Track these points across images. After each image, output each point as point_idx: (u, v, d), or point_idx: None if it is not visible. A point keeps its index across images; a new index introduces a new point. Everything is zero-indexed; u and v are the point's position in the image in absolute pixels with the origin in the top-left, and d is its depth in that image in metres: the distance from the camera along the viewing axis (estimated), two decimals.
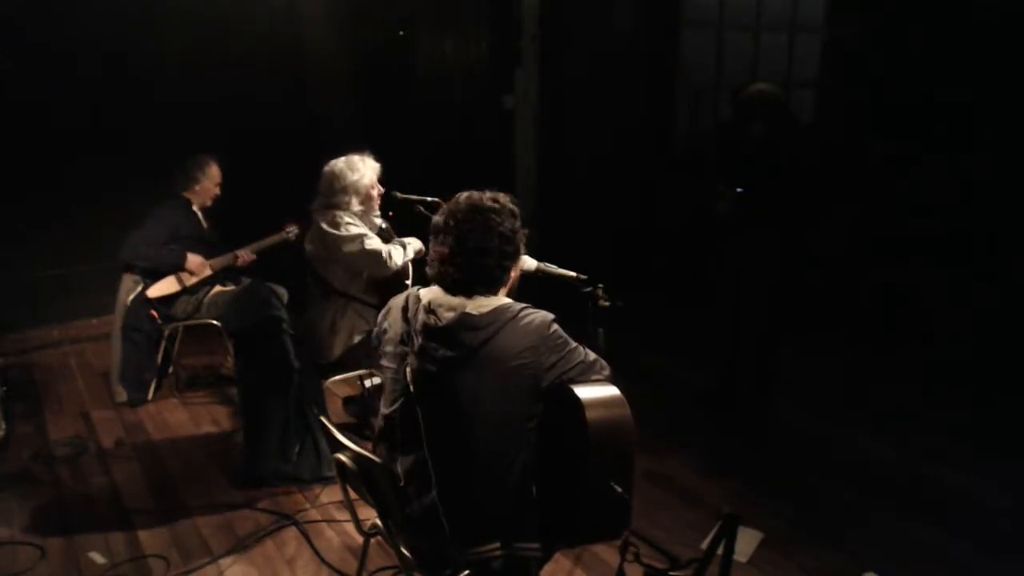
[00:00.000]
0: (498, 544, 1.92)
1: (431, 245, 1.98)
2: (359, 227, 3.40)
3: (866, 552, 2.85)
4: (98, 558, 2.87)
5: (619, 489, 1.87)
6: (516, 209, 1.97)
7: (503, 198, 1.97)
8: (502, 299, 1.94)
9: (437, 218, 1.96)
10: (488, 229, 1.90)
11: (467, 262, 1.90)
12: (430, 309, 1.91)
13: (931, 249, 4.22)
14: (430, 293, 1.96)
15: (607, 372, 2.01)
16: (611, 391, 1.94)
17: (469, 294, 1.91)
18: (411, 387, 1.92)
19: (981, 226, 4.07)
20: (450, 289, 1.93)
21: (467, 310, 1.88)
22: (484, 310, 1.88)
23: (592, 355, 2.01)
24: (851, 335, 4.51)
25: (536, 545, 1.96)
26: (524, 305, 1.94)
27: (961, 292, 4.05)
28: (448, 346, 1.86)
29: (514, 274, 2.00)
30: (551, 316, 1.93)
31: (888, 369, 4.26)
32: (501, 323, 1.86)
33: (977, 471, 3.32)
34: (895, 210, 4.39)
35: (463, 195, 1.97)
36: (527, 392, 1.88)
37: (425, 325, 1.90)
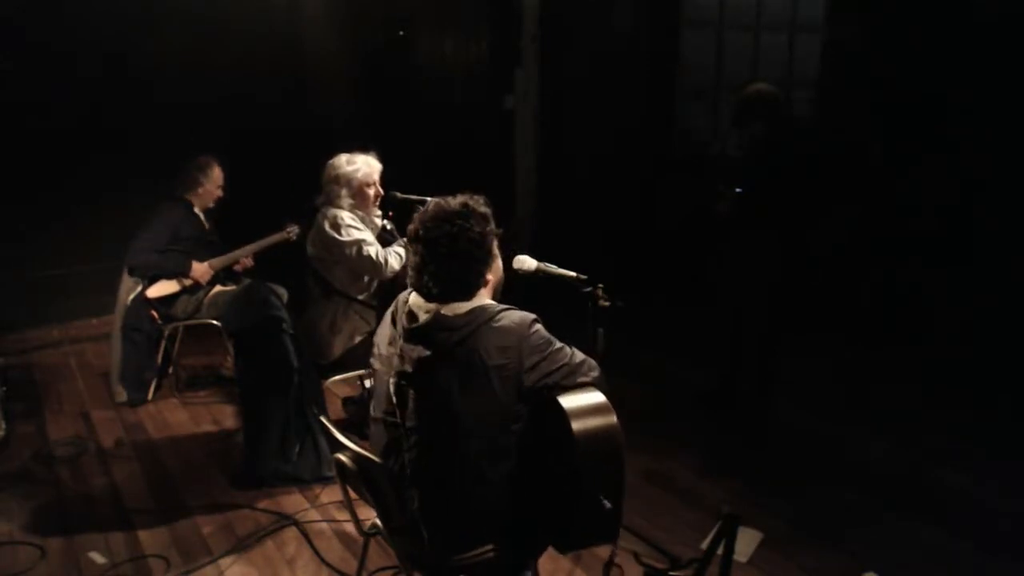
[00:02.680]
0: (490, 547, 1.92)
1: (408, 254, 1.97)
2: (360, 230, 3.40)
3: (866, 552, 2.85)
4: (98, 558, 2.87)
5: (607, 504, 1.84)
6: (488, 212, 1.94)
7: (472, 202, 1.93)
8: (481, 301, 1.93)
9: (410, 227, 1.95)
10: (455, 236, 1.87)
11: (439, 270, 1.88)
12: (411, 313, 1.93)
13: (931, 249, 4.21)
14: (413, 298, 1.97)
15: (596, 373, 1.97)
16: (597, 398, 1.91)
17: (445, 300, 1.90)
18: (391, 389, 1.94)
19: (981, 226, 4.07)
20: (427, 297, 1.93)
21: (442, 311, 1.88)
22: (460, 311, 1.88)
23: (579, 355, 1.97)
24: (851, 335, 4.51)
25: (528, 549, 1.97)
26: (504, 306, 1.93)
27: (961, 292, 4.05)
28: (424, 346, 1.87)
29: (491, 277, 1.98)
30: (531, 316, 1.92)
31: (888, 369, 4.26)
32: (477, 324, 1.86)
33: (977, 471, 3.32)
34: (895, 210, 4.39)
35: (432, 202, 1.95)
36: (508, 394, 1.86)
37: (404, 328, 1.92)
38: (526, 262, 2.36)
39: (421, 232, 1.90)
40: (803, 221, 3.65)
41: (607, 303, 2.29)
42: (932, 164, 4.17)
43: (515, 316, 1.90)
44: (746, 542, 2.86)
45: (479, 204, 1.94)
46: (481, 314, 1.88)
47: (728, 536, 2.15)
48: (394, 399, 1.94)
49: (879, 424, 3.78)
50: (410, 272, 1.95)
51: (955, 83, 4.06)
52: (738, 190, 3.57)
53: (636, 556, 2.77)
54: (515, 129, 6.10)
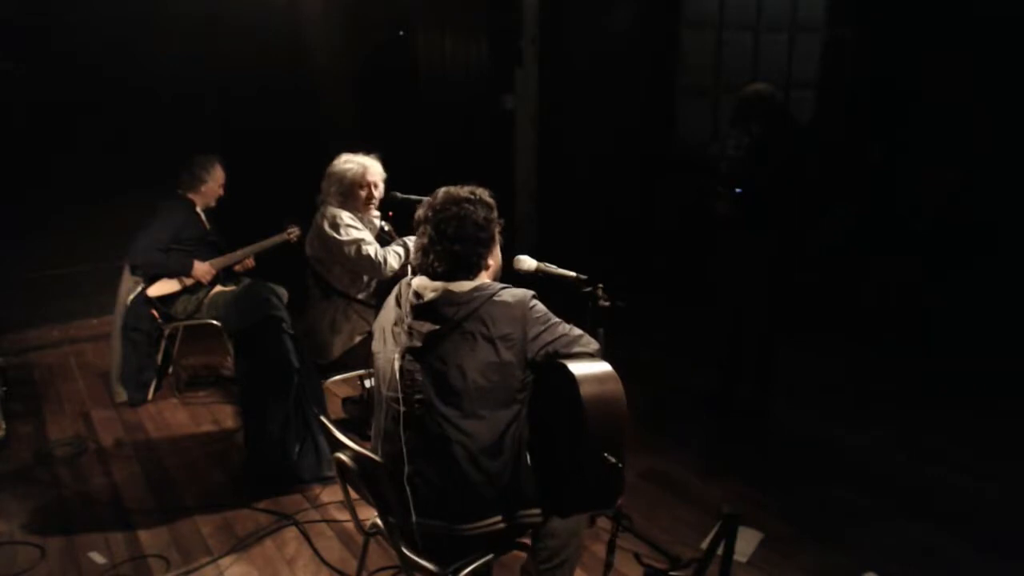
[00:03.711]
0: (500, 518, 1.99)
1: (415, 237, 2.11)
2: (359, 230, 3.41)
3: (866, 552, 2.85)
4: (98, 558, 2.87)
5: (612, 459, 1.92)
6: (492, 201, 2.11)
7: (479, 191, 2.10)
8: (482, 280, 2.06)
9: (418, 212, 2.10)
10: (462, 218, 2.02)
11: (445, 250, 2.01)
12: (417, 293, 2.04)
13: (931, 249, 4.22)
14: (418, 280, 2.08)
15: (595, 347, 2.08)
16: (603, 367, 2.01)
17: (450, 279, 2.02)
18: (397, 366, 2.01)
19: (981, 226, 4.07)
20: (432, 276, 2.04)
21: (448, 288, 2.01)
22: (464, 288, 2.01)
23: (577, 330, 2.08)
24: (851, 335, 4.51)
25: (537, 511, 2.04)
26: (504, 284, 2.06)
27: (961, 292, 4.05)
28: (432, 320, 1.98)
29: (491, 261, 2.11)
30: (530, 292, 2.05)
31: (888, 369, 4.26)
32: (481, 299, 1.98)
33: (977, 471, 3.33)
34: (895, 210, 4.40)
35: (441, 189, 2.10)
36: (513, 363, 1.97)
37: (412, 306, 2.03)
38: (526, 262, 2.37)
39: (430, 214, 2.05)
40: (803, 221, 3.66)
41: (607, 303, 2.31)
42: (932, 164, 4.17)
43: (516, 291, 2.04)
44: (746, 542, 2.86)
45: (484, 194, 2.10)
46: (484, 290, 2.00)
47: (728, 536, 2.15)
48: (398, 376, 2.00)
49: (879, 424, 3.78)
50: (416, 254, 2.07)
51: (955, 83, 4.06)
52: (738, 190, 3.58)
53: (636, 556, 2.77)
54: (515, 129, 6.10)
